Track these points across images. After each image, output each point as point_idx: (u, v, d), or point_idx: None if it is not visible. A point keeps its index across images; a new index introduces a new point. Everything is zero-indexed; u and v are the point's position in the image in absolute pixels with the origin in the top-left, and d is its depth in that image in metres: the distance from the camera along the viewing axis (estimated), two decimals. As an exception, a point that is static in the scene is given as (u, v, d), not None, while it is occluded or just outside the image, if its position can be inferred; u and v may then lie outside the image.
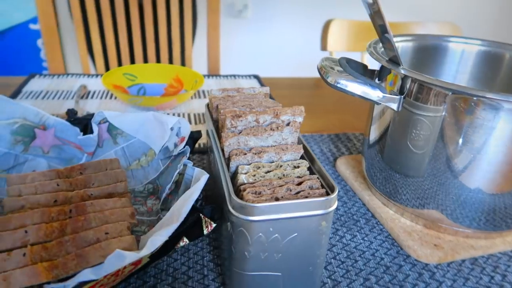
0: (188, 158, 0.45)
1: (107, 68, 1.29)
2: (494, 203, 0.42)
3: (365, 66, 0.49)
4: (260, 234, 0.32)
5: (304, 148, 0.41)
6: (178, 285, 0.39)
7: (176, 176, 0.43)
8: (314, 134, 0.72)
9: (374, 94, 0.43)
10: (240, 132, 0.39)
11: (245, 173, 0.36)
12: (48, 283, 0.32)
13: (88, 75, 0.93)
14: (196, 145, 0.63)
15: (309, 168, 0.39)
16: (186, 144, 0.46)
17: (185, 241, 0.36)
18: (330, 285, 0.40)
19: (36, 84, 0.86)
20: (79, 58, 1.23)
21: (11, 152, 0.48)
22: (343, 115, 0.82)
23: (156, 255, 0.36)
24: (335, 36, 1.16)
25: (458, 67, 0.57)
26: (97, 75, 0.93)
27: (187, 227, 0.36)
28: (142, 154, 0.52)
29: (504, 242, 0.46)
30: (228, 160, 0.38)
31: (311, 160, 0.39)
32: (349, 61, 0.46)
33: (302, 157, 0.40)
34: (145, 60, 1.27)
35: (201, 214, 0.37)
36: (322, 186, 0.36)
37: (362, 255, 0.45)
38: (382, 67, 0.47)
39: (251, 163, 0.37)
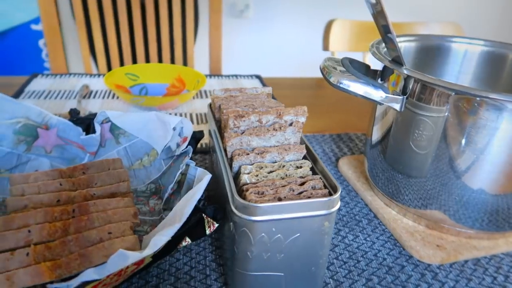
0: (191, 158, 0.45)
1: (109, 68, 1.29)
2: (497, 204, 0.42)
3: (367, 66, 0.49)
4: (263, 234, 0.32)
5: (307, 148, 0.41)
6: (180, 285, 0.39)
7: (179, 176, 0.44)
8: (316, 134, 0.72)
9: (377, 94, 0.42)
10: (243, 132, 0.39)
11: (248, 173, 0.36)
12: (51, 282, 0.32)
13: (90, 75, 0.93)
14: (198, 145, 0.63)
15: (311, 169, 0.39)
16: (189, 144, 0.46)
17: (187, 241, 0.36)
18: (332, 285, 0.40)
19: (39, 83, 0.86)
20: (81, 58, 1.23)
21: (14, 151, 0.48)
22: (345, 115, 0.82)
23: (158, 255, 0.36)
24: (337, 36, 1.16)
25: (461, 68, 0.57)
26: (99, 75, 0.93)
27: (189, 227, 0.36)
28: (145, 154, 0.52)
29: (507, 242, 0.46)
30: (230, 160, 0.38)
31: (314, 160, 0.39)
32: (351, 61, 0.46)
33: (304, 157, 0.40)
34: (147, 60, 1.27)
35: (203, 214, 0.37)
36: (325, 187, 0.36)
37: (364, 256, 0.44)
38: (384, 67, 0.47)
39: (253, 163, 0.37)
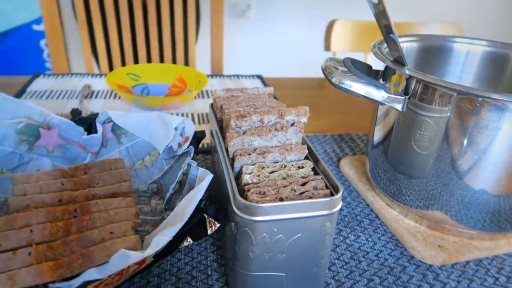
0: (192, 158, 0.45)
1: (111, 68, 1.29)
2: (499, 204, 0.42)
3: (369, 67, 0.49)
4: (264, 234, 0.32)
5: (309, 148, 0.40)
6: (181, 285, 0.39)
7: (180, 176, 0.44)
8: (317, 135, 0.72)
9: (379, 94, 0.42)
10: (245, 132, 0.39)
11: (250, 173, 0.36)
12: (53, 282, 0.32)
13: (92, 75, 0.93)
14: (200, 145, 0.63)
15: (313, 169, 0.39)
16: (190, 144, 0.46)
17: (189, 241, 0.36)
18: (333, 285, 0.40)
19: (40, 83, 0.86)
20: (83, 58, 1.23)
21: (16, 151, 0.48)
22: (347, 116, 0.82)
23: (160, 255, 0.36)
24: (339, 37, 1.16)
25: (463, 68, 0.57)
26: (101, 75, 0.93)
27: (191, 227, 0.36)
28: (146, 154, 0.52)
29: (509, 243, 0.46)
30: (232, 160, 0.38)
31: (316, 160, 0.39)
32: (353, 61, 0.46)
33: (306, 158, 0.40)
34: (149, 60, 1.27)
35: (205, 214, 0.37)
36: (326, 187, 0.36)
37: (366, 256, 0.44)
38: (386, 67, 0.47)
39: (255, 163, 0.37)
